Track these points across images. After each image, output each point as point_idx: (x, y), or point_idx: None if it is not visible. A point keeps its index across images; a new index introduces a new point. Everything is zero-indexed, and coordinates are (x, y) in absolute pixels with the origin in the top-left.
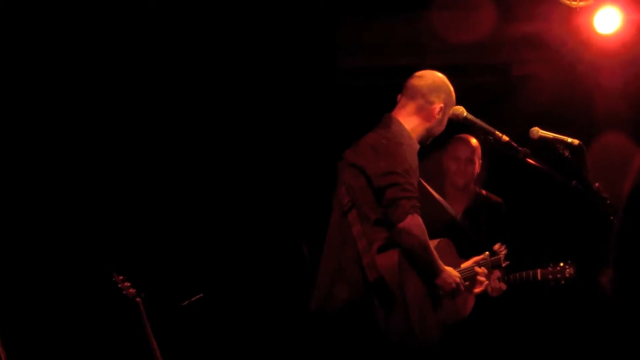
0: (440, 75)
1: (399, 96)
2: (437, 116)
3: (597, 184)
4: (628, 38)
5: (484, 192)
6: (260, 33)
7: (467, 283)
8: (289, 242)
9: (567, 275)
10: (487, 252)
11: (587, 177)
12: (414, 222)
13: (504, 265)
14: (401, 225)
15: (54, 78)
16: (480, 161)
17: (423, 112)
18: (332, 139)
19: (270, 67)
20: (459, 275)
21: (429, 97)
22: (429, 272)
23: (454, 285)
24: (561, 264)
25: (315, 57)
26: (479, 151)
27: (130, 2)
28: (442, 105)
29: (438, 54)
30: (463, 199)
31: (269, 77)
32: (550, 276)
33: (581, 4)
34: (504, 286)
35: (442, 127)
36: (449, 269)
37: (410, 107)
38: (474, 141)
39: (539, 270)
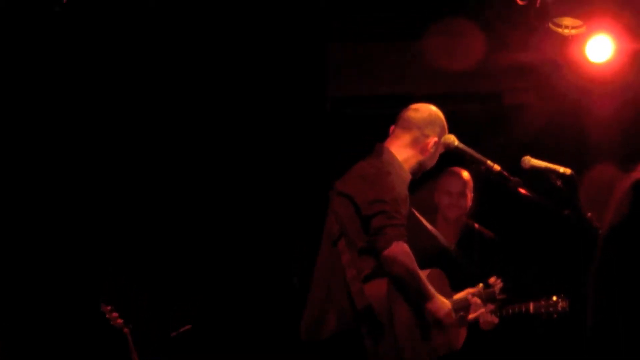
0: (435, 108)
1: (393, 127)
2: (430, 149)
3: (589, 214)
4: (620, 67)
5: (476, 225)
6: (251, 60)
7: (461, 314)
8: (279, 273)
9: (560, 308)
10: (481, 284)
11: (579, 207)
12: (400, 250)
13: (498, 298)
14: (386, 253)
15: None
16: (472, 194)
17: (418, 144)
18: (321, 167)
19: (260, 94)
20: (450, 304)
21: (425, 130)
22: (419, 298)
23: (444, 311)
24: (554, 298)
25: (305, 84)
26: (470, 184)
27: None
28: (436, 139)
29: (429, 82)
30: (455, 233)
31: (258, 104)
32: (542, 310)
33: (573, 32)
34: (496, 319)
35: (434, 161)
36: (439, 297)
37: (405, 138)
38: (465, 174)
39: (531, 304)
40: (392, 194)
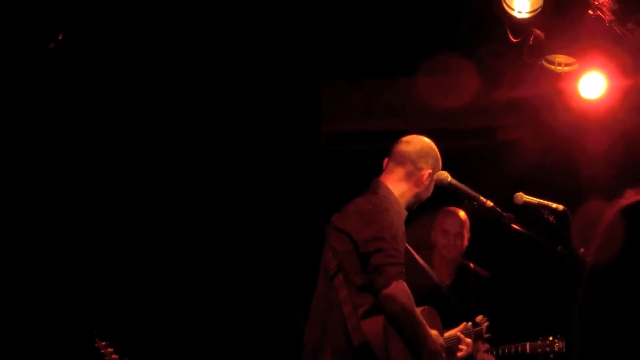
0: (427, 140)
1: (386, 160)
2: (425, 182)
3: (582, 250)
4: (612, 103)
5: (471, 265)
6: (247, 95)
7: (453, 350)
8: (281, 308)
9: (556, 349)
10: (470, 323)
11: (572, 243)
12: (399, 289)
13: (486, 336)
14: (386, 292)
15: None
16: (469, 234)
17: (412, 178)
18: (316, 203)
19: (255, 132)
20: (443, 342)
21: (418, 164)
22: (415, 337)
23: (439, 349)
24: (550, 338)
25: (300, 120)
26: (467, 224)
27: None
28: (430, 171)
29: (423, 118)
30: (451, 271)
31: (254, 142)
32: (539, 350)
33: (566, 69)
34: (492, 358)
35: (429, 193)
36: (434, 332)
37: (399, 173)
38: (462, 214)
39: (528, 344)
40: (390, 232)
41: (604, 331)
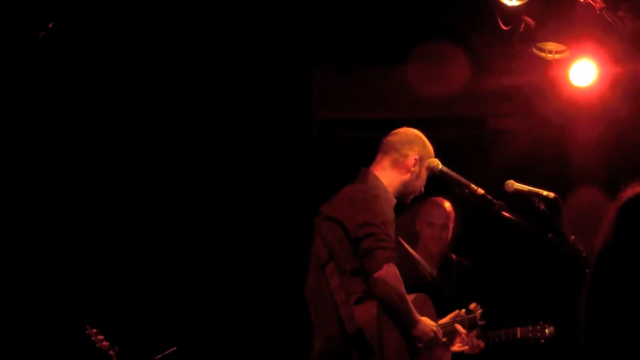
0: (415, 130)
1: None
2: (412, 169)
3: (572, 237)
4: (603, 91)
5: (454, 256)
6: (235, 85)
7: (444, 339)
8: (264, 298)
9: (547, 334)
10: (463, 310)
11: (563, 230)
12: (390, 272)
13: (480, 324)
14: (376, 274)
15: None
16: (454, 225)
17: (398, 165)
18: (306, 192)
19: (245, 119)
20: (436, 325)
21: (402, 150)
22: (406, 322)
23: (432, 334)
24: (541, 323)
25: (290, 109)
26: (452, 215)
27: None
28: (416, 157)
29: (413, 106)
30: (434, 263)
31: (243, 128)
32: (530, 335)
33: (557, 56)
34: (482, 344)
35: (422, 182)
36: (425, 319)
37: (386, 161)
38: (447, 205)
39: (518, 329)
40: (381, 217)
41: (606, 325)
